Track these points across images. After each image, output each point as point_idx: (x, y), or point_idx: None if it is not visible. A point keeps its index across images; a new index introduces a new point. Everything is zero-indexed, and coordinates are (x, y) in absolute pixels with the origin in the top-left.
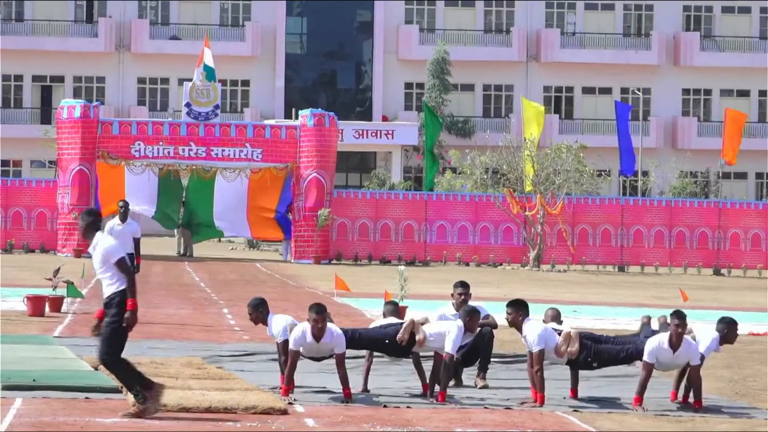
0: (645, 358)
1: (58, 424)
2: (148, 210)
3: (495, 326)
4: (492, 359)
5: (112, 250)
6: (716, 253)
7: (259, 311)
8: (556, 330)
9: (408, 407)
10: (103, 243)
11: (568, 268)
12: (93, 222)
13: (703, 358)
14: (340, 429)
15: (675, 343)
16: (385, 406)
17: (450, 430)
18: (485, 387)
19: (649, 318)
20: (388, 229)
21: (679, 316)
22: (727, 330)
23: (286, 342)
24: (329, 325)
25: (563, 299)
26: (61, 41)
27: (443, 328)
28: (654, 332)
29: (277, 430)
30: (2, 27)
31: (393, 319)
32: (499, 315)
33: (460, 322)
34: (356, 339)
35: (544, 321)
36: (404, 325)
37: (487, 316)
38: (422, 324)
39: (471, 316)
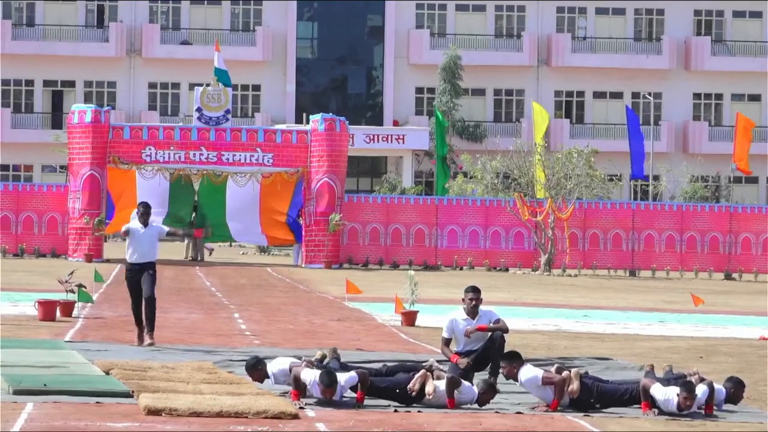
0: (652, 392)
1: (69, 429)
2: (159, 216)
3: (506, 331)
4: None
5: None
6: (727, 257)
7: (258, 369)
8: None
9: (419, 411)
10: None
11: (579, 273)
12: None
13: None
14: None
15: (682, 409)
16: (396, 411)
17: None
18: (497, 392)
19: (652, 366)
20: (398, 234)
21: (688, 389)
22: (734, 390)
23: (297, 377)
24: (340, 378)
25: (574, 304)
26: (72, 46)
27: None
28: (657, 379)
29: None
30: (13, 32)
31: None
32: (510, 320)
33: (475, 389)
34: (370, 387)
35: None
36: (416, 376)
37: (498, 321)
38: (437, 377)
39: (486, 391)
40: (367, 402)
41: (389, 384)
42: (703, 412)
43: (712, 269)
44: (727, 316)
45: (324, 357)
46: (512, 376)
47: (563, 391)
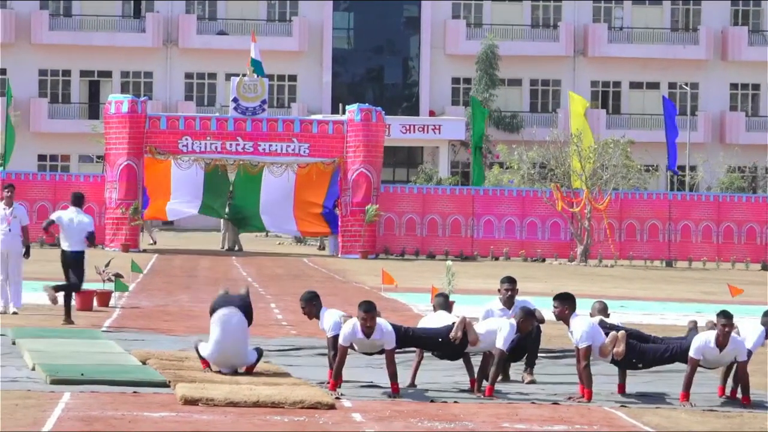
0: (691, 354)
1: (106, 419)
2: (193, 206)
3: (542, 321)
4: (539, 354)
5: None
6: (764, 248)
7: (313, 305)
8: (604, 324)
9: (455, 402)
10: None
11: (615, 263)
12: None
13: (750, 354)
14: (388, 424)
15: (722, 343)
16: (432, 401)
17: (497, 425)
18: (532, 382)
19: (695, 323)
20: (435, 224)
21: (725, 315)
22: None
23: (336, 337)
24: (379, 321)
25: (610, 294)
26: (108, 36)
27: (494, 326)
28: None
29: (325, 425)
30: (50, 22)
31: (443, 313)
32: (546, 310)
33: (513, 320)
34: (409, 336)
35: (591, 314)
36: (456, 323)
37: (534, 311)
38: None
39: (525, 318)
40: (403, 392)
41: (431, 333)
42: (739, 398)
43: (749, 260)
44: (765, 307)
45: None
46: (562, 317)
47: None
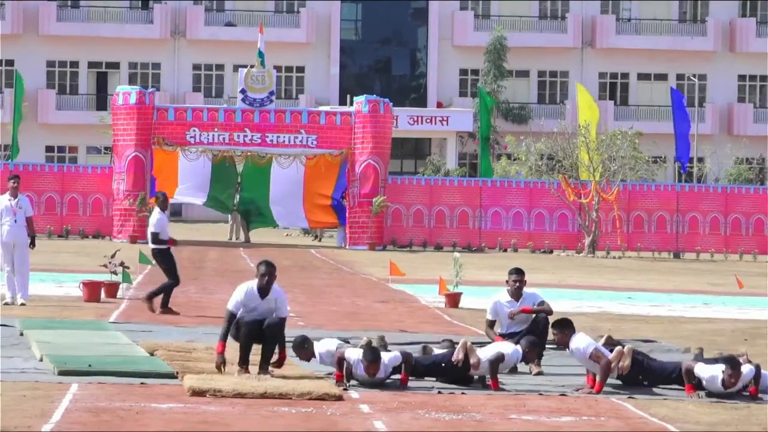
0: (696, 371)
1: (113, 410)
2: (200, 197)
3: (550, 313)
4: (547, 346)
5: None
6: None
7: (305, 348)
8: (611, 342)
9: (463, 393)
10: None
11: (623, 255)
12: None
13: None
14: (395, 415)
15: (728, 386)
16: (439, 393)
17: (505, 417)
18: (540, 374)
19: (701, 350)
20: (442, 216)
21: (733, 365)
22: None
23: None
24: (385, 356)
25: (618, 286)
26: (116, 28)
27: (499, 349)
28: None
29: (332, 416)
30: (58, 14)
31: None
32: (554, 302)
33: (519, 348)
34: (414, 366)
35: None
36: (458, 346)
37: (542, 303)
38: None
39: (531, 348)
40: (411, 384)
41: (433, 360)
42: (748, 393)
43: (757, 251)
44: None
45: (370, 342)
46: (563, 343)
47: (608, 375)
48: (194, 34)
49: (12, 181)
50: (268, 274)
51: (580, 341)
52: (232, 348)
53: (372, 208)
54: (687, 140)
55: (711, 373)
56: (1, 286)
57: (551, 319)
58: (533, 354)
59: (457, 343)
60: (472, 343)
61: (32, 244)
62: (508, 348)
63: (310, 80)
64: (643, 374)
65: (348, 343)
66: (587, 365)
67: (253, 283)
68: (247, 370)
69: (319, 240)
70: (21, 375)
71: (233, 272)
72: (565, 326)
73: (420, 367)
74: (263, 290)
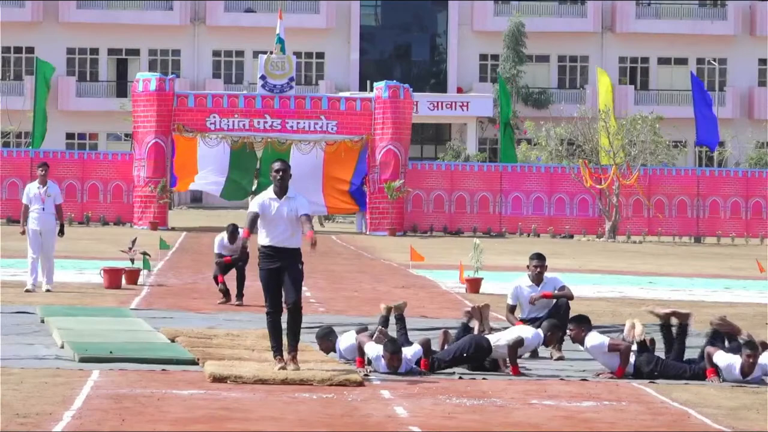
0: (715, 359)
1: (134, 396)
2: (218, 184)
3: (571, 298)
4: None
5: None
6: None
7: (329, 340)
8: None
9: (484, 379)
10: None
11: (643, 239)
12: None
13: None
14: (416, 401)
15: (747, 372)
16: (460, 378)
17: (526, 402)
18: (561, 359)
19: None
20: (463, 201)
21: (751, 347)
22: None
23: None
24: (406, 351)
25: (639, 270)
26: (136, 15)
27: (519, 333)
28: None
29: (353, 402)
30: (78, 1)
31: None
32: (575, 287)
33: (540, 333)
34: (437, 364)
35: None
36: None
37: (563, 288)
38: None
39: (553, 331)
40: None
41: (453, 354)
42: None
43: None
44: None
45: (389, 311)
46: (579, 339)
47: (629, 359)
48: (214, 21)
49: (41, 168)
50: (282, 170)
51: (596, 338)
52: (258, 336)
53: (388, 192)
54: (713, 123)
55: (728, 361)
56: (23, 273)
57: (571, 304)
58: (555, 336)
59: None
60: (491, 329)
61: (61, 231)
62: (528, 332)
63: (330, 66)
64: (659, 371)
65: (366, 330)
66: (604, 360)
67: (269, 191)
68: (282, 360)
69: (321, 225)
70: (42, 362)
71: (253, 258)
72: (582, 322)
73: (442, 363)
74: (281, 189)
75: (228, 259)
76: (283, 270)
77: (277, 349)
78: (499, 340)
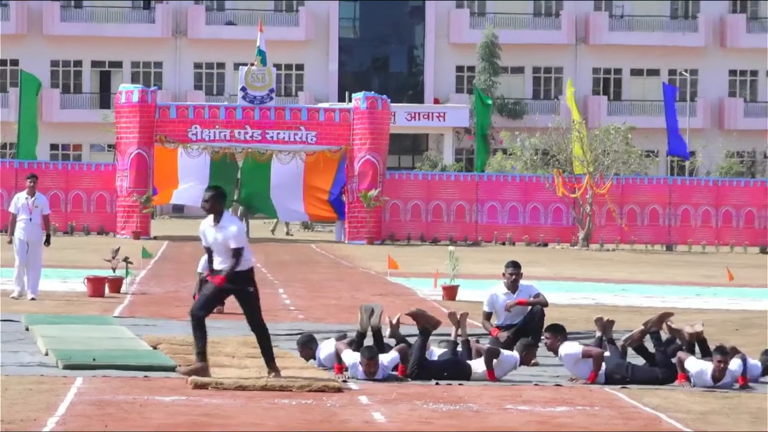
0: (686, 366)
1: (117, 402)
2: (198, 196)
3: (545, 305)
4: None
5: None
6: (763, 231)
7: (309, 348)
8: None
9: (460, 384)
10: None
11: (616, 248)
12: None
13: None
14: (393, 406)
15: (717, 378)
16: (437, 384)
17: (501, 407)
18: (536, 364)
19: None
20: (439, 210)
21: (722, 352)
22: None
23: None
24: (382, 357)
25: (612, 278)
26: (119, 27)
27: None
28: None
29: (332, 408)
30: (62, 14)
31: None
32: (550, 294)
33: (516, 355)
34: (423, 372)
35: None
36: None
37: (538, 295)
38: (476, 350)
39: (528, 351)
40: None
41: (438, 368)
42: (738, 384)
43: (747, 243)
44: (762, 290)
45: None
46: (554, 348)
47: (600, 365)
48: (195, 33)
49: (30, 180)
50: (207, 199)
51: (570, 347)
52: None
53: (364, 202)
54: (679, 135)
55: (699, 367)
56: (9, 282)
57: (546, 311)
58: (530, 355)
59: (448, 341)
60: (470, 336)
61: (47, 241)
62: (504, 353)
63: (309, 78)
64: (630, 378)
65: (345, 337)
66: (576, 370)
67: (210, 217)
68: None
69: (289, 234)
70: (27, 369)
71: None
72: (558, 331)
73: (423, 372)
74: (214, 216)
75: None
76: (232, 293)
77: (200, 354)
78: (478, 367)
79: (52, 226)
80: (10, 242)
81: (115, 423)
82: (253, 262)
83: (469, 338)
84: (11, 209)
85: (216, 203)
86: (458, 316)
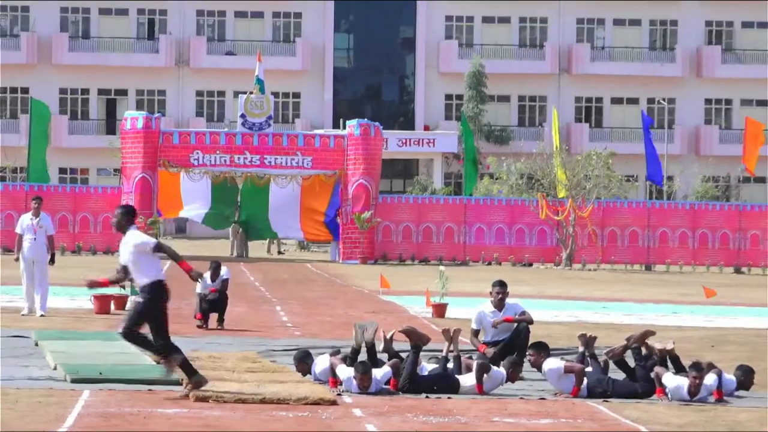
0: (663, 381)
1: (123, 415)
2: (199, 215)
3: (531, 322)
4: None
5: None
6: (737, 252)
7: (305, 363)
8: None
9: (449, 398)
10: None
11: (597, 267)
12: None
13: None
14: (386, 419)
15: (693, 393)
16: (427, 397)
17: (488, 419)
18: (521, 379)
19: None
20: (429, 232)
21: (697, 368)
22: (744, 378)
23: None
24: (375, 372)
25: (593, 296)
26: (124, 57)
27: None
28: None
29: (327, 420)
30: (70, 44)
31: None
32: (534, 312)
33: (503, 370)
34: (415, 384)
35: None
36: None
37: (524, 313)
38: (466, 365)
39: (514, 368)
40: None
41: (429, 381)
42: (713, 398)
43: (723, 264)
44: (737, 308)
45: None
46: (537, 365)
47: (582, 379)
48: (197, 63)
49: (34, 201)
50: (117, 214)
51: (553, 363)
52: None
53: (357, 223)
54: (657, 161)
55: (676, 383)
56: (20, 300)
57: (531, 328)
58: (516, 372)
59: (438, 357)
60: (461, 351)
61: (52, 260)
62: (494, 369)
63: (305, 105)
64: (611, 392)
65: (339, 353)
66: (559, 385)
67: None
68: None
69: (280, 252)
70: (36, 383)
71: (234, 285)
72: (541, 349)
73: (414, 386)
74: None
75: (213, 290)
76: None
77: (184, 368)
78: (467, 381)
79: (60, 246)
80: (17, 260)
81: None
82: (162, 277)
83: (461, 354)
84: (17, 230)
85: (121, 220)
86: (451, 332)
